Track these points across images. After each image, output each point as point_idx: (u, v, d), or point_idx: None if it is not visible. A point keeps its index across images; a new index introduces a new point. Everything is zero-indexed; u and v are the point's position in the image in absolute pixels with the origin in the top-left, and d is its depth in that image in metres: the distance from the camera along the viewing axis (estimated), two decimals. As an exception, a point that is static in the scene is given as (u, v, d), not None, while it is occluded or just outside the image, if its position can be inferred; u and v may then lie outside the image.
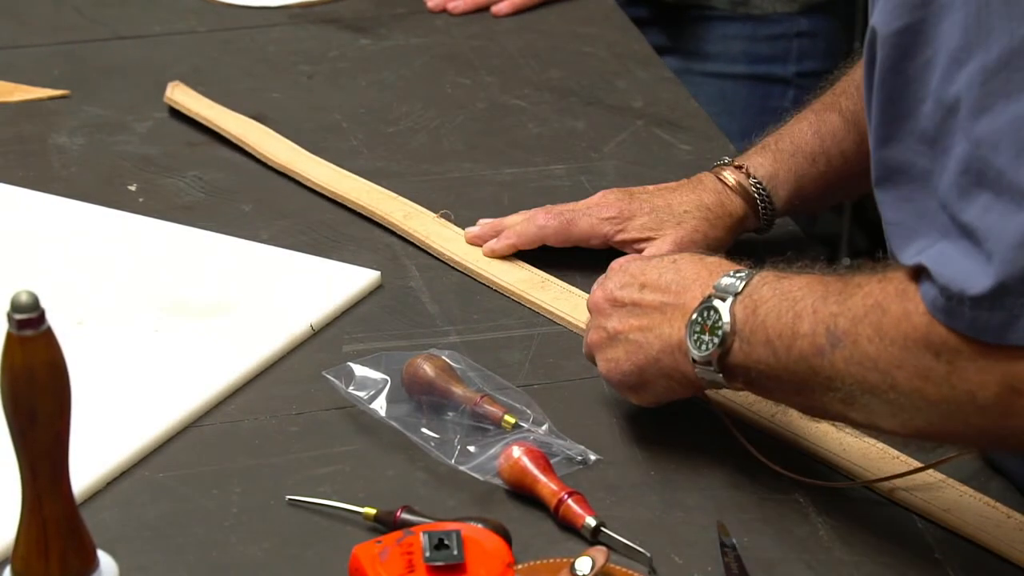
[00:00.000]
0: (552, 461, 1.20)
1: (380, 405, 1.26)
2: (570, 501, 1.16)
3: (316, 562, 1.14)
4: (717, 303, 1.16)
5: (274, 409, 1.30)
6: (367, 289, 1.44)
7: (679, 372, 1.20)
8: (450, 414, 1.25)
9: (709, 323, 1.16)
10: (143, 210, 1.56)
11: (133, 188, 1.61)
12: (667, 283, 1.22)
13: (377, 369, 1.28)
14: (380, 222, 1.54)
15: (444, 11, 2.00)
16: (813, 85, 1.53)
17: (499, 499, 1.20)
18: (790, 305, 1.13)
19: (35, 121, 1.75)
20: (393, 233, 1.53)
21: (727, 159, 1.48)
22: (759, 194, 1.46)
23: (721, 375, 1.16)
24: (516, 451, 1.19)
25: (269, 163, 1.64)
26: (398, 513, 1.15)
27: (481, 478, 1.20)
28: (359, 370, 1.28)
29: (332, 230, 1.54)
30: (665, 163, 1.65)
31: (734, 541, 1.15)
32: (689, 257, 1.24)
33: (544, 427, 1.24)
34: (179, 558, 1.15)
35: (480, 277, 1.46)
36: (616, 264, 1.29)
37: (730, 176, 1.46)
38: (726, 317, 1.15)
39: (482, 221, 1.51)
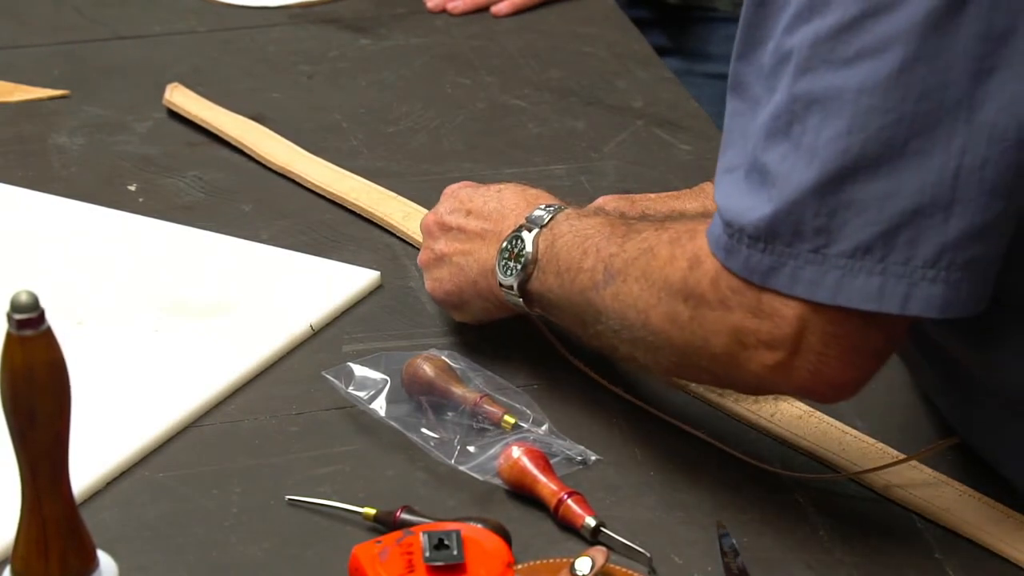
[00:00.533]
0: (552, 461, 1.20)
1: (380, 405, 1.26)
2: (570, 501, 1.16)
3: (316, 562, 1.14)
4: (524, 233, 1.25)
5: (274, 409, 1.30)
6: (367, 289, 1.44)
7: (493, 295, 1.29)
8: (450, 414, 1.25)
9: (515, 251, 1.26)
10: (143, 210, 1.56)
11: (133, 188, 1.61)
12: (489, 211, 1.32)
13: (377, 369, 1.28)
14: (379, 223, 1.53)
15: (444, 11, 2.00)
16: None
17: (499, 499, 1.20)
18: (580, 241, 1.22)
19: (35, 121, 1.75)
20: (393, 233, 1.53)
21: None
22: None
23: (522, 300, 1.26)
24: (516, 451, 1.19)
25: (268, 164, 1.63)
26: (398, 513, 1.15)
27: (481, 478, 1.20)
28: (359, 370, 1.28)
29: (332, 230, 1.54)
30: (665, 163, 1.65)
31: (734, 541, 1.15)
32: (513, 187, 1.34)
33: (544, 427, 1.24)
34: (179, 558, 1.15)
35: None
36: (448, 190, 1.38)
37: None
38: (529, 247, 1.25)
39: None
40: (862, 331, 1.06)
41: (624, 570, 1.11)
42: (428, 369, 1.27)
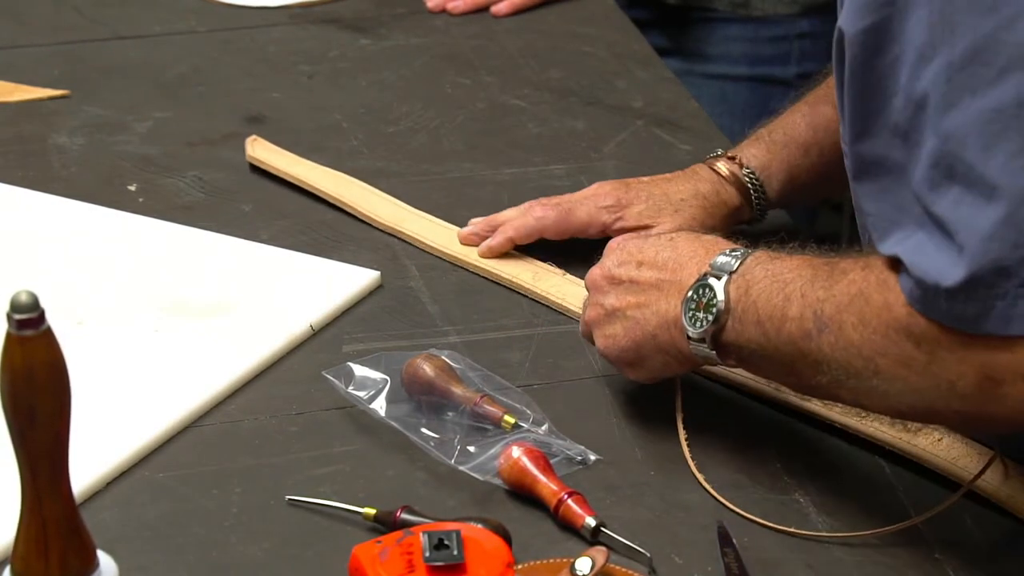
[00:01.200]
0: (552, 461, 1.20)
1: (380, 405, 1.26)
2: (570, 501, 1.16)
3: (316, 562, 1.14)
4: (712, 281, 1.18)
5: (274, 409, 1.30)
6: (367, 289, 1.44)
7: (675, 348, 1.21)
8: (450, 414, 1.25)
9: (704, 300, 1.18)
10: (143, 210, 1.56)
11: (133, 188, 1.61)
12: (664, 260, 1.24)
13: (377, 369, 1.28)
14: (510, 285, 1.45)
15: (444, 11, 2.00)
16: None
17: (499, 499, 1.20)
18: (780, 287, 1.15)
19: (35, 121, 1.75)
20: (393, 234, 1.53)
21: (720, 151, 1.49)
22: (752, 184, 1.47)
23: (715, 352, 1.18)
24: (516, 451, 1.19)
25: (374, 224, 1.54)
26: (398, 513, 1.15)
27: (481, 478, 1.20)
28: (359, 370, 1.28)
29: (332, 230, 1.54)
30: (665, 163, 1.65)
31: (734, 541, 1.15)
32: (686, 235, 1.26)
33: (544, 427, 1.24)
34: (179, 558, 1.15)
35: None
36: (614, 243, 1.30)
37: (724, 167, 1.47)
38: (720, 295, 1.17)
39: (473, 220, 1.49)
40: None
41: (624, 570, 1.11)
42: (428, 369, 1.27)
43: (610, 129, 1.73)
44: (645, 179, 1.49)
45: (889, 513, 1.19)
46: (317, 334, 1.39)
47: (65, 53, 1.89)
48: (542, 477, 1.18)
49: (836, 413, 1.26)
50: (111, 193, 1.60)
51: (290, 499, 1.19)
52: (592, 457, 1.23)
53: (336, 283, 1.44)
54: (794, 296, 1.13)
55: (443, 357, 1.29)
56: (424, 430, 1.24)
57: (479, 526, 1.11)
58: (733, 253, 1.19)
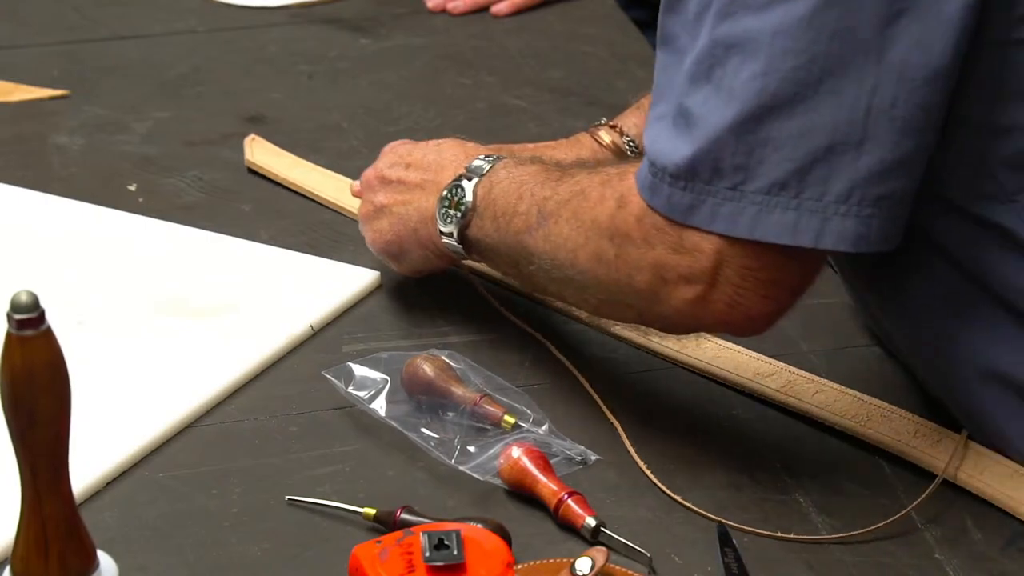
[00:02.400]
0: (552, 461, 1.20)
1: (380, 405, 1.26)
2: (570, 501, 1.16)
3: (316, 562, 1.14)
4: (464, 182, 1.29)
5: (274, 409, 1.30)
6: (367, 289, 1.44)
7: (432, 243, 1.33)
8: (450, 414, 1.25)
9: (455, 199, 1.29)
10: (143, 210, 1.56)
11: (133, 188, 1.61)
12: (429, 163, 1.36)
13: (377, 369, 1.28)
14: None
15: (444, 11, 2.00)
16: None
17: (499, 499, 1.20)
18: (517, 187, 1.25)
19: (35, 121, 1.75)
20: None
21: (604, 120, 1.52)
22: (632, 152, 1.50)
23: (461, 247, 1.30)
24: (516, 451, 1.19)
25: None
26: (398, 513, 1.15)
27: (481, 478, 1.20)
28: (359, 370, 1.28)
29: (332, 230, 1.54)
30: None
31: (734, 541, 1.15)
32: (451, 142, 1.38)
33: (544, 427, 1.24)
34: (179, 558, 1.15)
35: None
36: (387, 147, 1.42)
37: (605, 135, 1.51)
38: (468, 196, 1.28)
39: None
40: (777, 265, 1.10)
41: (624, 570, 1.11)
42: (428, 369, 1.27)
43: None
44: (529, 145, 1.52)
45: (889, 513, 1.19)
46: (317, 334, 1.39)
47: (65, 53, 1.89)
48: (542, 477, 1.18)
49: (835, 416, 1.26)
50: (111, 193, 1.60)
51: (290, 499, 1.19)
52: (592, 457, 1.23)
53: (336, 283, 1.44)
54: (526, 194, 1.24)
55: (443, 357, 1.28)
56: (424, 430, 1.24)
57: (479, 526, 1.11)
58: (487, 158, 1.30)
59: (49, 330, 0.97)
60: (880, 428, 1.25)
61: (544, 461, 1.19)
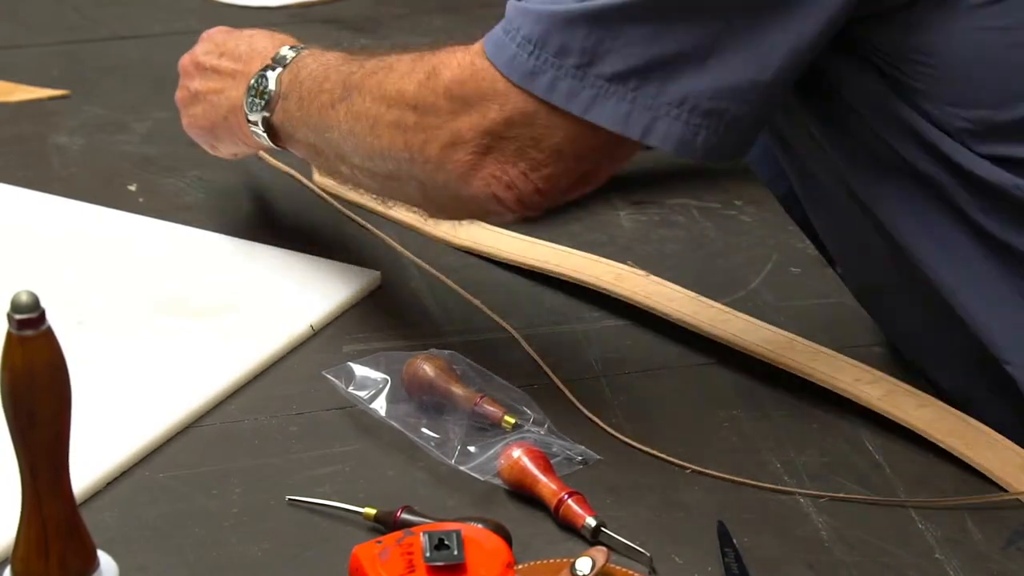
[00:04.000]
0: (552, 461, 1.20)
1: (380, 405, 1.26)
2: (570, 501, 1.16)
3: (316, 562, 1.14)
4: (268, 72, 1.34)
5: (274, 409, 1.30)
6: (367, 289, 1.44)
7: (241, 131, 1.38)
8: (450, 414, 1.25)
9: (261, 88, 1.34)
10: (143, 210, 1.56)
11: (133, 188, 1.62)
12: (240, 53, 1.40)
13: (377, 369, 1.28)
14: (590, 286, 1.43)
15: None
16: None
17: (499, 499, 1.19)
18: (324, 69, 1.30)
19: (35, 121, 1.75)
20: (392, 234, 1.53)
21: None
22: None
23: (266, 135, 1.35)
24: (516, 451, 1.19)
25: (449, 244, 1.51)
26: (398, 513, 1.15)
27: (481, 478, 1.20)
28: (359, 370, 1.28)
29: (332, 230, 1.54)
30: (664, 162, 1.64)
31: (734, 541, 1.15)
32: (263, 32, 1.42)
33: (544, 427, 1.24)
34: (179, 558, 1.15)
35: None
36: (205, 34, 1.46)
37: None
38: (272, 84, 1.33)
39: None
40: (582, 145, 1.17)
41: (624, 570, 1.11)
42: (428, 369, 1.27)
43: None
44: None
45: (889, 513, 1.19)
46: (317, 334, 1.39)
47: (65, 53, 1.89)
48: (542, 477, 1.18)
49: (939, 434, 1.25)
50: (111, 193, 1.60)
51: (290, 499, 1.19)
52: (592, 457, 1.23)
53: (336, 283, 1.44)
54: (332, 73, 1.28)
55: (443, 357, 1.28)
56: (424, 430, 1.24)
57: (479, 526, 1.11)
58: (294, 48, 1.35)
59: (49, 330, 0.97)
60: (986, 455, 1.23)
61: (544, 461, 1.19)
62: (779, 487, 1.20)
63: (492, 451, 1.21)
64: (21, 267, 1.47)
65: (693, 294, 1.39)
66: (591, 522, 1.15)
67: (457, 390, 1.26)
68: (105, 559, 1.06)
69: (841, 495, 1.20)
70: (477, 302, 1.41)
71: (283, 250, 1.49)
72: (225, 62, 1.41)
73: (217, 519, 1.18)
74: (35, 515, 1.02)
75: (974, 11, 1.14)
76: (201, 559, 1.15)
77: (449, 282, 1.45)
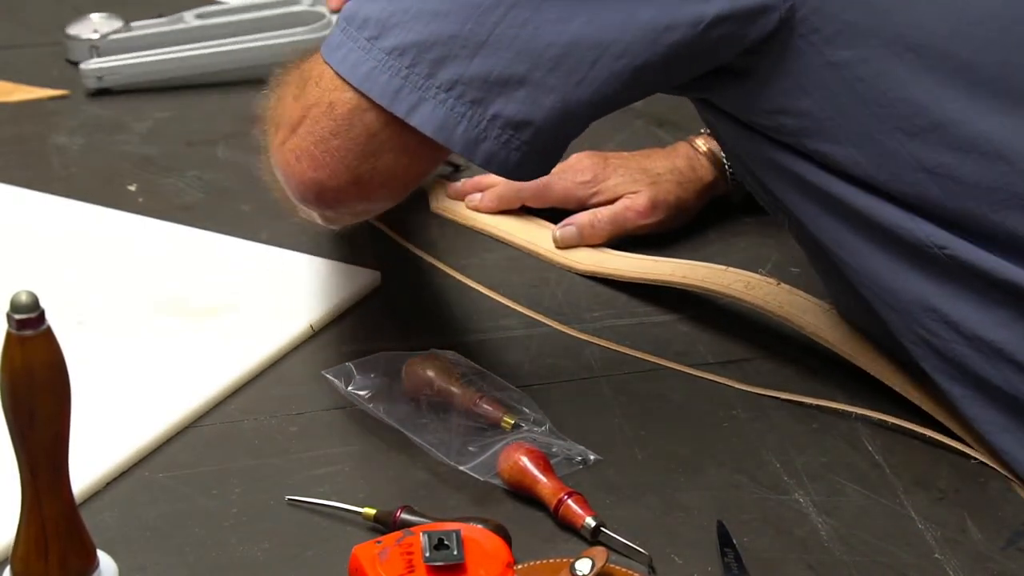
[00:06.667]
0: (552, 461, 1.20)
1: (380, 405, 1.26)
2: (570, 501, 1.16)
3: (316, 562, 1.14)
4: None
5: (274, 409, 1.30)
6: (367, 289, 1.44)
7: None
8: (450, 414, 1.25)
9: None
10: (143, 210, 1.56)
11: (133, 188, 1.62)
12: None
13: (377, 369, 1.28)
14: (719, 295, 1.40)
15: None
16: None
17: (499, 499, 1.20)
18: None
19: (35, 121, 1.75)
20: (392, 234, 1.53)
21: (704, 130, 1.54)
22: (726, 158, 1.52)
23: None
24: (516, 451, 1.19)
25: (574, 269, 1.49)
26: (398, 513, 1.15)
27: (481, 478, 1.20)
28: (359, 370, 1.28)
29: (332, 230, 1.54)
30: (665, 163, 1.65)
31: (734, 541, 1.15)
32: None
33: (544, 427, 1.24)
34: (179, 558, 1.15)
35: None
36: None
37: (702, 144, 1.54)
38: None
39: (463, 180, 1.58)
40: (365, 126, 1.17)
41: (624, 570, 1.12)
42: (428, 369, 1.27)
43: (610, 129, 1.72)
44: (625, 154, 1.55)
45: (889, 513, 1.19)
46: (317, 334, 1.39)
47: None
48: (542, 477, 1.18)
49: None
50: (111, 193, 1.60)
51: (290, 499, 1.19)
52: (592, 457, 1.23)
53: (336, 283, 1.44)
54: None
55: (443, 357, 1.28)
56: (424, 430, 1.24)
57: (479, 526, 1.11)
58: None
59: (49, 330, 0.97)
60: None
61: (544, 461, 1.19)
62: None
63: (492, 451, 1.21)
64: (21, 267, 1.47)
65: (828, 305, 1.36)
66: (591, 522, 1.15)
67: (457, 390, 1.26)
68: (105, 559, 1.06)
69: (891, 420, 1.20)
70: (497, 296, 1.42)
71: (283, 250, 1.49)
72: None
73: (217, 519, 1.18)
74: (35, 515, 1.02)
75: (820, 48, 1.15)
76: (201, 559, 1.15)
77: (461, 276, 1.45)
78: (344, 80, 1.16)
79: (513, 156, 1.17)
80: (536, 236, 1.52)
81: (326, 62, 1.18)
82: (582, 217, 1.50)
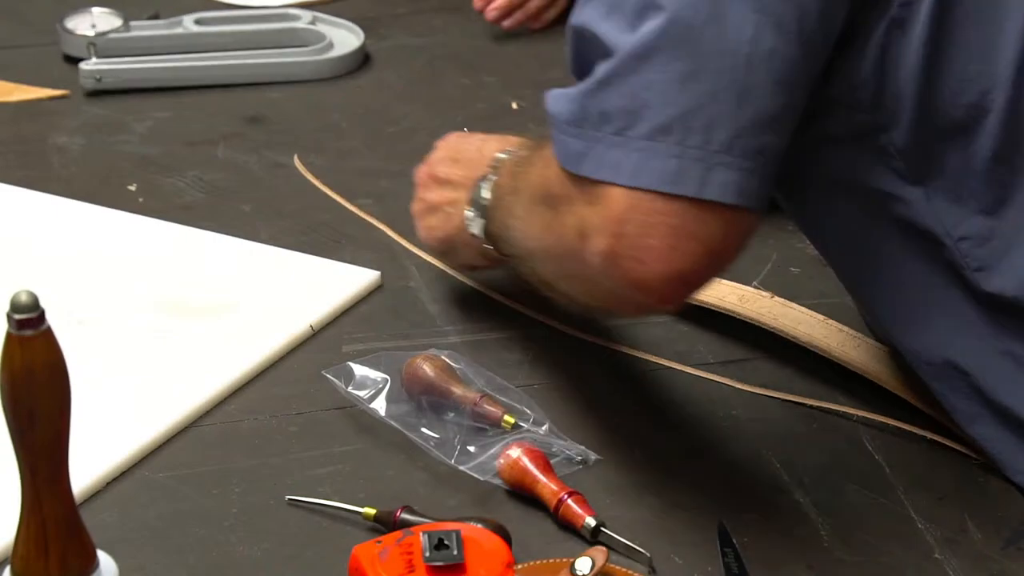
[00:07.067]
0: (552, 461, 1.20)
1: (380, 405, 1.26)
2: (570, 501, 1.16)
3: (316, 562, 1.14)
4: (484, 181, 1.28)
5: (274, 409, 1.30)
6: (367, 289, 1.44)
7: (475, 241, 1.32)
8: (450, 414, 1.25)
9: (477, 198, 1.29)
10: (143, 210, 1.56)
11: (133, 188, 1.62)
12: (470, 159, 1.34)
13: (377, 369, 1.28)
14: (713, 307, 1.38)
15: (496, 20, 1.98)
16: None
17: (499, 499, 1.20)
18: (509, 177, 1.24)
19: (35, 121, 1.75)
20: (393, 233, 1.53)
21: None
22: None
23: (492, 246, 1.29)
24: (516, 451, 1.19)
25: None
26: (398, 513, 1.15)
27: (481, 478, 1.20)
28: (359, 370, 1.28)
29: (332, 230, 1.54)
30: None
31: (734, 541, 1.15)
32: (495, 137, 1.36)
33: (544, 427, 1.24)
34: (179, 558, 1.15)
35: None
36: (441, 140, 1.41)
37: None
38: (485, 193, 1.27)
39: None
40: (683, 217, 1.06)
41: (624, 570, 1.11)
42: (428, 369, 1.27)
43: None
44: None
45: (889, 513, 1.19)
46: (317, 334, 1.39)
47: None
48: (542, 477, 1.18)
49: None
50: (111, 193, 1.60)
51: (290, 499, 1.19)
52: (592, 457, 1.23)
53: (336, 283, 1.44)
54: (515, 179, 1.22)
55: (443, 357, 1.28)
56: (424, 430, 1.24)
57: (479, 526, 1.11)
58: (508, 151, 1.28)
59: (49, 330, 0.97)
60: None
61: (544, 461, 1.19)
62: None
63: (492, 451, 1.21)
64: (21, 267, 1.47)
65: (822, 317, 1.36)
66: (591, 522, 1.15)
67: (457, 390, 1.26)
68: (105, 559, 1.06)
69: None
70: (497, 296, 1.42)
71: (283, 250, 1.49)
72: (457, 170, 1.35)
73: (217, 519, 1.18)
74: (35, 515, 1.02)
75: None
76: (201, 559, 1.15)
77: (461, 276, 1.45)
78: (610, 184, 1.06)
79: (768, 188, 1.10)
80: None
81: (576, 175, 1.08)
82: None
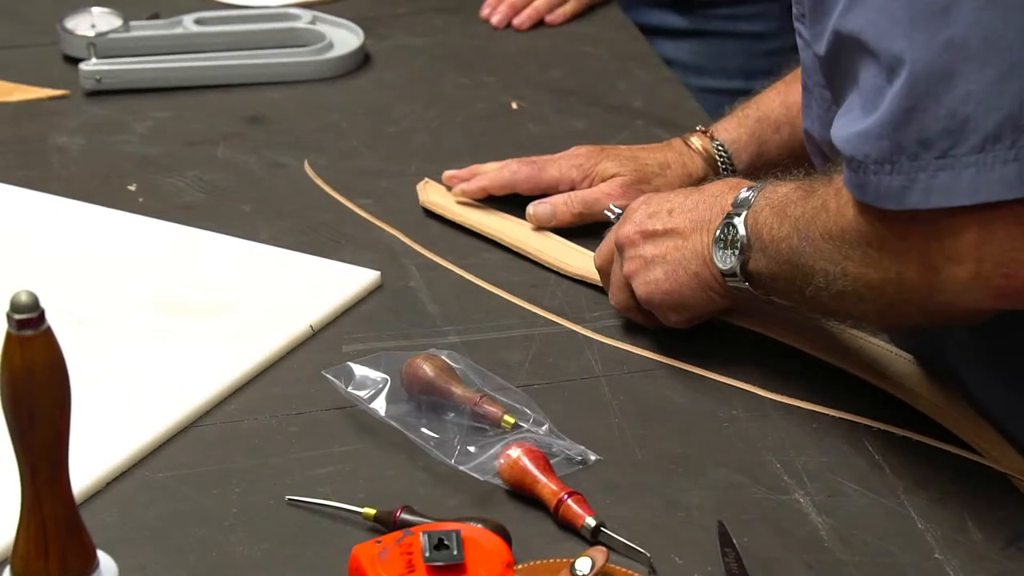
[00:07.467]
0: (552, 461, 1.20)
1: (380, 405, 1.26)
2: (570, 501, 1.16)
3: (316, 562, 1.14)
4: (735, 219, 1.24)
5: (274, 409, 1.30)
6: (367, 289, 1.44)
7: (716, 282, 1.28)
8: (450, 414, 1.25)
9: (730, 237, 1.25)
10: (143, 210, 1.56)
11: (133, 188, 1.62)
12: (694, 203, 1.31)
13: (377, 369, 1.28)
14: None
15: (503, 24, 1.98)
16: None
17: (499, 499, 1.20)
18: (775, 211, 1.22)
19: (35, 121, 1.75)
20: (393, 233, 1.53)
21: (700, 128, 1.57)
22: (720, 156, 1.54)
23: (747, 284, 1.25)
24: (516, 451, 1.19)
25: (564, 271, 1.48)
26: (398, 513, 1.15)
27: (481, 478, 1.20)
28: (359, 370, 1.28)
29: (332, 230, 1.54)
30: (665, 163, 1.65)
31: (734, 541, 1.15)
32: (711, 182, 1.34)
33: (544, 427, 1.24)
34: (179, 558, 1.15)
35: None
36: (636, 203, 1.36)
37: (696, 141, 1.56)
38: (742, 230, 1.24)
39: (454, 173, 1.57)
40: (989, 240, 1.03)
41: (624, 570, 1.11)
42: (428, 369, 1.27)
43: (610, 129, 1.73)
44: (622, 147, 1.56)
45: (889, 513, 1.19)
46: (317, 334, 1.39)
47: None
48: (542, 477, 1.18)
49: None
50: (111, 193, 1.60)
51: (290, 499, 1.19)
52: (592, 457, 1.23)
53: (336, 283, 1.44)
54: (784, 217, 1.20)
55: (443, 357, 1.28)
56: (424, 430, 1.24)
57: (479, 526, 1.11)
58: (751, 189, 1.25)
59: (49, 330, 0.97)
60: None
61: (544, 461, 1.19)
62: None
63: (492, 451, 1.21)
64: (21, 267, 1.47)
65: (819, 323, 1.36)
66: (591, 522, 1.15)
67: (457, 390, 1.26)
68: (105, 559, 1.06)
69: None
70: (499, 291, 1.42)
71: (283, 250, 1.49)
72: (678, 219, 1.30)
73: (217, 519, 1.18)
74: (35, 515, 1.02)
75: None
76: (201, 559, 1.15)
77: (462, 272, 1.45)
78: (945, 209, 1.04)
79: None
80: (526, 237, 1.51)
81: (897, 211, 1.06)
82: (558, 196, 1.52)
